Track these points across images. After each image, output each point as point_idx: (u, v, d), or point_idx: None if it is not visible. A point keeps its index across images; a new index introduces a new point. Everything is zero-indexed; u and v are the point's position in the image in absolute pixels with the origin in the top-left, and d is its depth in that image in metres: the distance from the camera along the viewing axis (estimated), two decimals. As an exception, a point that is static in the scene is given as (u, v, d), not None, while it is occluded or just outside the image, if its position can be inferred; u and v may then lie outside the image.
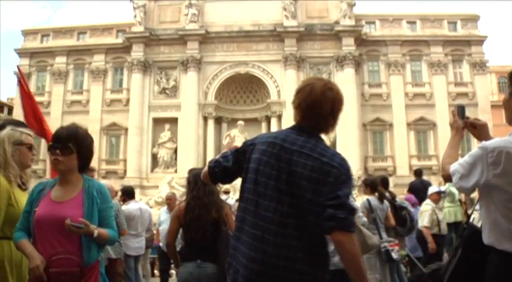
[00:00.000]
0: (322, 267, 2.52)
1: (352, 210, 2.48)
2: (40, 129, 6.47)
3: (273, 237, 2.44)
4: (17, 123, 4.11)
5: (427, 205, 9.32)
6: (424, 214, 9.10)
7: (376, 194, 7.75)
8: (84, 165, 3.35)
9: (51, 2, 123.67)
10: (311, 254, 2.46)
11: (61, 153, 3.18)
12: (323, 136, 2.70)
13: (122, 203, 8.97)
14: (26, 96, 6.65)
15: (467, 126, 3.03)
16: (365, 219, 6.58)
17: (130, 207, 8.82)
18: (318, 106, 2.63)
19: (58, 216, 3.06)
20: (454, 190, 11.96)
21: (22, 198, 3.48)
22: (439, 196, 9.62)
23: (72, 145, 3.19)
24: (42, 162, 30.74)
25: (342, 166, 2.52)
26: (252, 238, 2.50)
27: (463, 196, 12.63)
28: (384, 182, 8.49)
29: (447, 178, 2.82)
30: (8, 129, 3.63)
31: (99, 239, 3.16)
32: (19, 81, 7.00)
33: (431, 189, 9.68)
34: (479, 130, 3.03)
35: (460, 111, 3.04)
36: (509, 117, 2.73)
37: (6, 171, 3.47)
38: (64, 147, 3.18)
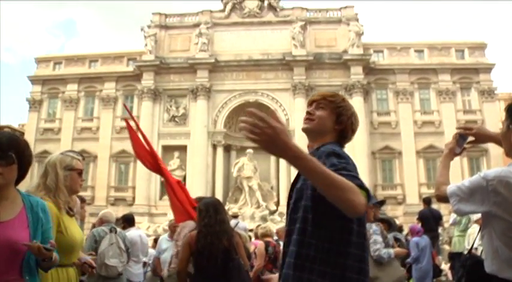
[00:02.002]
0: None
1: None
2: (156, 167, 6.68)
3: None
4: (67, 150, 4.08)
5: (475, 229, 8.95)
6: (472, 237, 8.76)
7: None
8: (20, 178, 2.78)
9: (63, 29, 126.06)
10: None
11: None
12: None
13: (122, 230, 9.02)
14: (137, 136, 6.83)
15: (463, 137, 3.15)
16: (382, 252, 6.32)
17: (131, 233, 8.84)
18: None
19: (1, 238, 2.57)
20: (462, 219, 11.85)
21: (71, 225, 3.33)
22: None
23: (14, 154, 2.65)
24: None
25: None
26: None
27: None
28: None
29: (441, 199, 2.87)
30: (57, 154, 3.51)
31: (52, 264, 2.77)
32: (127, 123, 7.16)
33: (478, 215, 9.33)
34: (477, 136, 3.16)
35: (459, 140, 3.13)
36: (507, 150, 2.77)
37: (56, 197, 3.29)
38: (4, 156, 2.62)
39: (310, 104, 2.77)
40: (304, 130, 2.72)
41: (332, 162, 2.31)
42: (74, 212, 3.52)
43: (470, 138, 3.19)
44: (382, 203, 7.78)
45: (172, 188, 6.47)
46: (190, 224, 5.92)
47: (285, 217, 2.78)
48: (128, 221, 9.32)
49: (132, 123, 7.35)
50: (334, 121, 2.66)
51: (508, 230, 2.51)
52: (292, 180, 2.71)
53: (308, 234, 2.33)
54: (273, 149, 1.97)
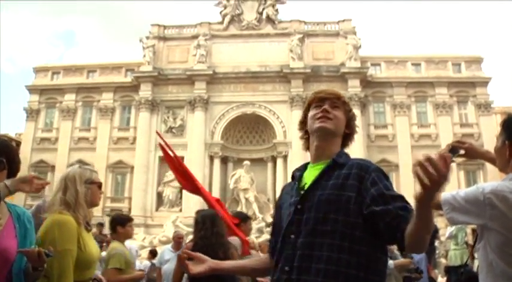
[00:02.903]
0: None
1: None
2: (194, 188, 6.76)
3: None
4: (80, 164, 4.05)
5: None
6: None
7: None
8: None
9: (62, 39, 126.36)
10: None
11: None
12: None
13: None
14: (172, 159, 6.95)
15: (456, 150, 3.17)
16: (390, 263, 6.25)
17: None
18: None
19: None
20: (458, 232, 11.85)
21: (89, 241, 3.24)
22: None
23: (5, 160, 2.61)
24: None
25: None
26: None
27: (470, 238, 12.49)
28: None
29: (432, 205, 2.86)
30: (76, 168, 3.40)
31: (40, 275, 2.70)
32: (162, 147, 7.30)
33: None
34: (469, 150, 3.17)
35: (453, 150, 3.16)
36: (501, 165, 2.78)
37: (76, 212, 3.18)
38: None
39: (320, 100, 2.57)
40: (324, 129, 2.48)
41: (386, 185, 2.24)
42: (91, 227, 3.46)
43: (461, 152, 3.22)
44: None
45: (213, 207, 6.61)
46: (235, 241, 6.00)
47: None
48: None
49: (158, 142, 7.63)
50: (345, 124, 2.55)
51: (503, 244, 2.50)
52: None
53: (352, 252, 2.19)
54: (430, 196, 1.83)
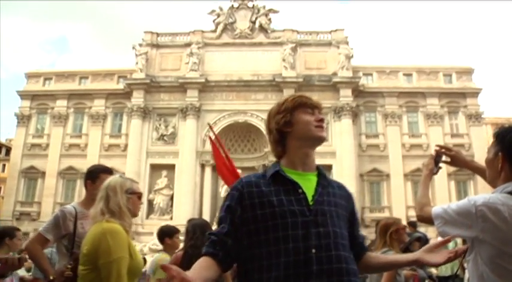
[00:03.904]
0: None
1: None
2: None
3: None
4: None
5: None
6: None
7: None
8: None
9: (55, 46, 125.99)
10: None
11: None
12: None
13: None
14: (220, 155, 6.93)
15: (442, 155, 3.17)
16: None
17: None
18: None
19: None
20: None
21: (135, 249, 3.23)
22: None
23: None
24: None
25: None
26: None
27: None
28: None
29: (424, 220, 2.86)
30: (117, 177, 3.41)
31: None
32: (212, 142, 7.31)
33: None
34: (454, 158, 3.19)
35: (437, 159, 3.17)
36: (491, 177, 2.76)
37: (122, 220, 3.19)
38: None
39: (312, 107, 2.48)
40: (323, 139, 2.46)
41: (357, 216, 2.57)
42: (133, 236, 3.41)
43: (445, 159, 3.23)
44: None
45: None
46: None
47: None
48: None
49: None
50: None
51: (496, 256, 2.49)
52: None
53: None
54: None
